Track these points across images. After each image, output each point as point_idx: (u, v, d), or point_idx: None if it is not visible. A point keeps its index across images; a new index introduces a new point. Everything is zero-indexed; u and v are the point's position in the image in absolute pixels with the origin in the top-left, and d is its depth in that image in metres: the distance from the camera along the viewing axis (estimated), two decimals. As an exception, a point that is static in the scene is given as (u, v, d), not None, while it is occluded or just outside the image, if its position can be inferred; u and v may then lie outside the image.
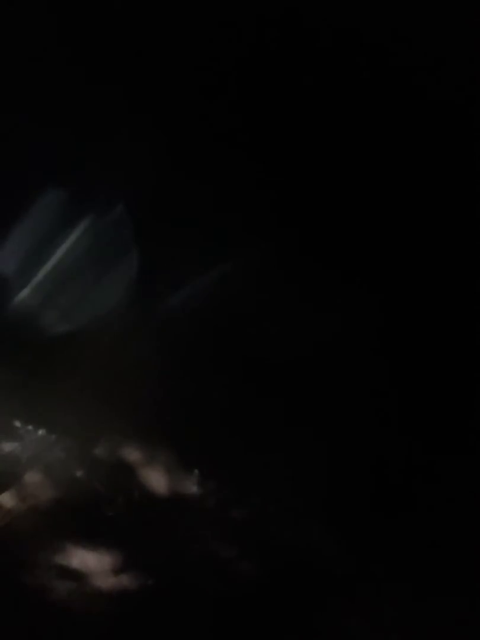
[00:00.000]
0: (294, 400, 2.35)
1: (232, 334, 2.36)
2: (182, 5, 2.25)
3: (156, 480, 2.34)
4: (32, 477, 2.33)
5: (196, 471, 2.35)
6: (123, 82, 2.29)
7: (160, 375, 2.34)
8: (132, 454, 2.35)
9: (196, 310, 2.37)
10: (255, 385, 2.37)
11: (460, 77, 2.24)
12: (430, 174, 2.32)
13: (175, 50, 2.27)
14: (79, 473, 2.33)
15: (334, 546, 2.30)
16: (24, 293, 2.36)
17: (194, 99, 2.31)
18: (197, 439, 2.35)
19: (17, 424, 2.34)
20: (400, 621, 2.27)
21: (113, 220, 2.36)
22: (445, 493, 2.32)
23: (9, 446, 2.34)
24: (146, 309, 2.38)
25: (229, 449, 2.34)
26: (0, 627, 2.17)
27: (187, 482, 2.35)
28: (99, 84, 2.29)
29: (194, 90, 2.31)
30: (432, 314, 2.35)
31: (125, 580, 2.28)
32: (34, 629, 2.20)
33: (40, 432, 2.34)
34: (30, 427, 2.34)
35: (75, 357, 2.34)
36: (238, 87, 2.29)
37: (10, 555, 2.27)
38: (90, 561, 2.28)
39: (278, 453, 2.32)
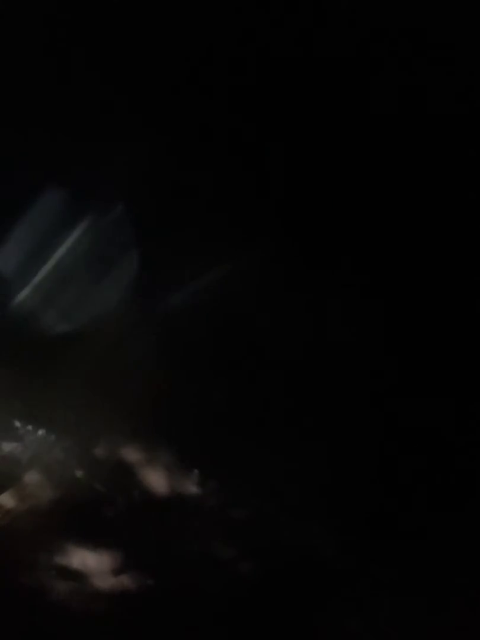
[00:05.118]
0: (294, 400, 2.35)
1: (232, 334, 2.36)
2: (183, 5, 2.25)
3: (156, 480, 2.34)
4: (32, 477, 2.33)
5: (196, 471, 2.35)
6: (123, 81, 2.29)
7: (160, 375, 2.34)
8: (132, 454, 2.35)
9: (196, 310, 2.37)
10: (255, 385, 2.37)
11: (461, 82, 2.24)
12: (431, 175, 2.32)
13: (176, 50, 2.27)
14: (79, 473, 2.34)
15: (334, 547, 2.30)
16: (24, 293, 2.36)
17: (195, 99, 2.31)
18: (197, 439, 2.35)
19: (17, 424, 2.34)
20: (400, 621, 2.28)
21: (113, 220, 2.36)
22: (446, 493, 2.32)
23: (9, 446, 2.34)
24: (146, 309, 2.38)
25: (229, 449, 2.34)
26: (0, 627, 2.17)
27: (187, 482, 2.35)
28: (99, 83, 2.29)
29: (195, 90, 2.31)
30: (433, 314, 2.35)
31: (125, 580, 2.28)
32: (34, 629, 2.20)
33: (40, 432, 2.34)
34: (30, 427, 2.34)
35: (75, 357, 2.34)
36: (240, 88, 2.29)
37: (10, 555, 2.28)
38: (90, 561, 2.28)
39: (278, 453, 2.32)
